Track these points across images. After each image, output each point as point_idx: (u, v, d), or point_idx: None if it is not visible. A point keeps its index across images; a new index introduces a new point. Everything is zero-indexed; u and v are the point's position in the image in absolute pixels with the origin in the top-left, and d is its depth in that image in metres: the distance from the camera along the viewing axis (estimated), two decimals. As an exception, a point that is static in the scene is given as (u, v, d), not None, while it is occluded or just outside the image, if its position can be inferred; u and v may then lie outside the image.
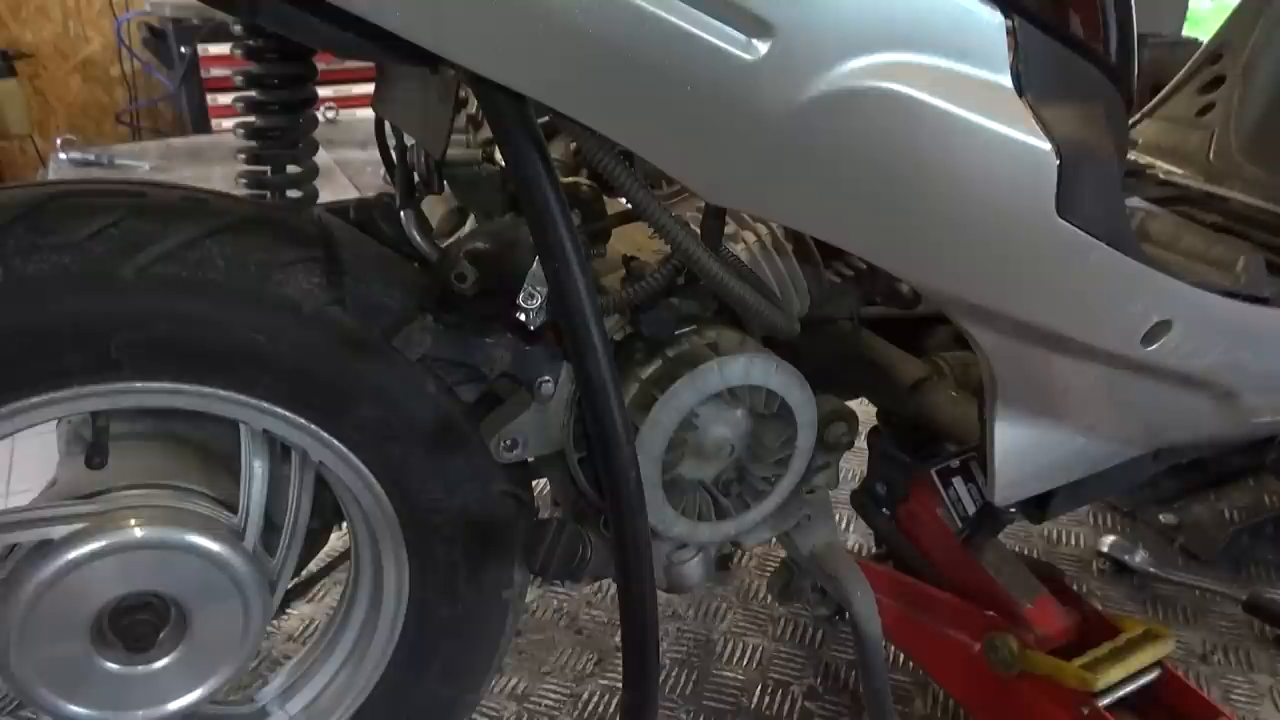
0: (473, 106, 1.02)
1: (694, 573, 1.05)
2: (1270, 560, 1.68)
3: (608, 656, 1.44)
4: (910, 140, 0.73)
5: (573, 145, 1.22)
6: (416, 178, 1.07)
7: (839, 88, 0.69)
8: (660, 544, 1.01)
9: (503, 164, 0.97)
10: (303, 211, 0.97)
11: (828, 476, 1.07)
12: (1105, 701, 1.09)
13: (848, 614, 1.09)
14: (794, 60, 0.68)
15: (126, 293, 0.75)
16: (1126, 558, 1.63)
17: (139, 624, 0.82)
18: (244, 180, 0.99)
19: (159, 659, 0.85)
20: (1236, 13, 1.59)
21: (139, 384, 0.78)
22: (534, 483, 1.02)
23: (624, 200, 0.88)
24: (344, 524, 0.99)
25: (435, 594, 0.96)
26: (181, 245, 0.76)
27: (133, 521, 0.80)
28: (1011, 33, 0.74)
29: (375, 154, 1.10)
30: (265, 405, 0.82)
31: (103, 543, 0.79)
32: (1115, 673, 1.10)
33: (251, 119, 0.97)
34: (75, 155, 3.19)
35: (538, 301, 0.83)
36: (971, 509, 1.20)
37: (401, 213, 1.02)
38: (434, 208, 1.15)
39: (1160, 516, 1.71)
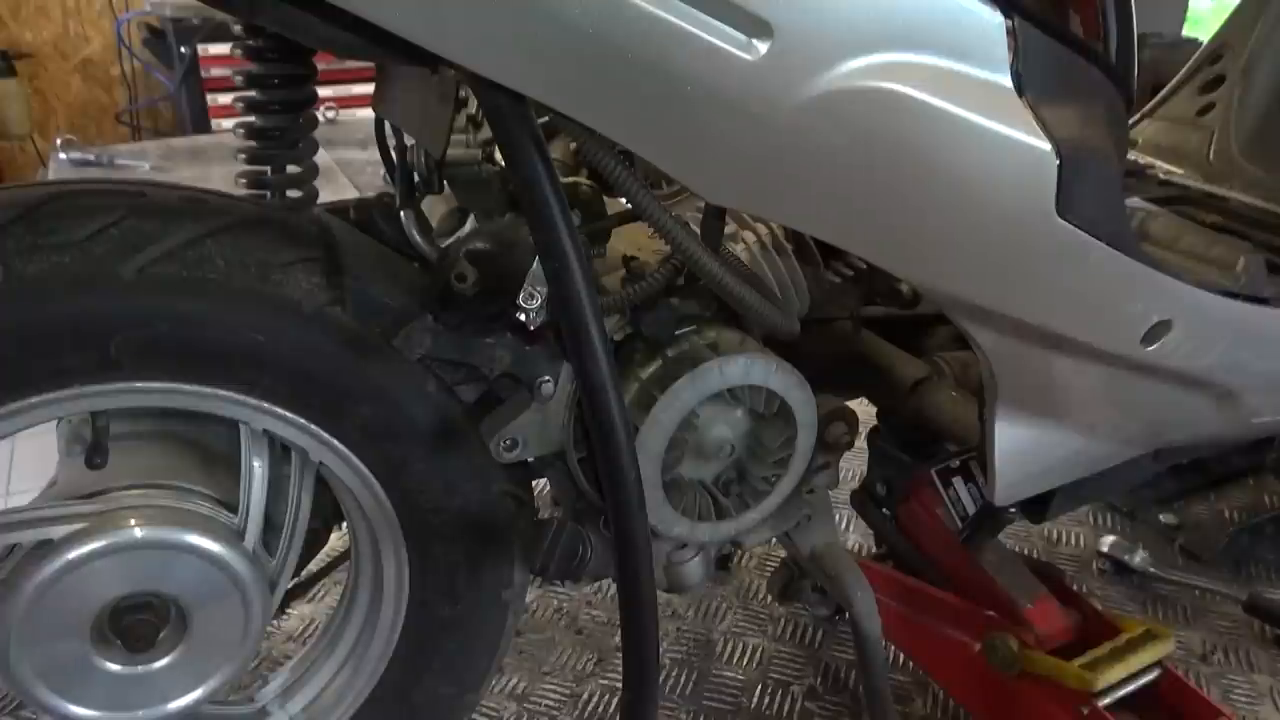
0: (473, 106, 1.02)
1: (694, 573, 1.05)
2: (1270, 560, 1.68)
3: (608, 656, 1.44)
4: (910, 140, 0.73)
5: (573, 145, 1.22)
6: (416, 178, 1.06)
7: (839, 88, 0.69)
8: (660, 544, 1.01)
9: (503, 164, 0.97)
10: (303, 211, 0.97)
11: (828, 476, 1.07)
12: (1105, 701, 1.08)
13: (848, 614, 1.09)
14: (794, 60, 0.68)
15: (126, 293, 0.75)
16: (1126, 558, 1.63)
17: (139, 624, 0.82)
18: (244, 180, 0.99)
19: (159, 659, 0.85)
20: (1236, 13, 1.59)
21: (139, 384, 0.78)
22: (534, 483, 1.02)
23: (624, 200, 0.88)
24: (344, 524, 0.99)
25: (435, 594, 0.96)
26: (181, 245, 0.76)
27: (133, 521, 0.80)
28: (1011, 33, 0.74)
29: (375, 154, 1.10)
30: (265, 405, 0.83)
31: (103, 543, 0.79)
32: (1115, 673, 1.10)
33: (251, 119, 0.97)
34: (75, 155, 3.20)
35: (538, 301, 0.83)
36: (971, 509, 1.20)
37: (401, 213, 1.02)
38: (434, 208, 1.15)
39: (1160, 516, 1.71)
